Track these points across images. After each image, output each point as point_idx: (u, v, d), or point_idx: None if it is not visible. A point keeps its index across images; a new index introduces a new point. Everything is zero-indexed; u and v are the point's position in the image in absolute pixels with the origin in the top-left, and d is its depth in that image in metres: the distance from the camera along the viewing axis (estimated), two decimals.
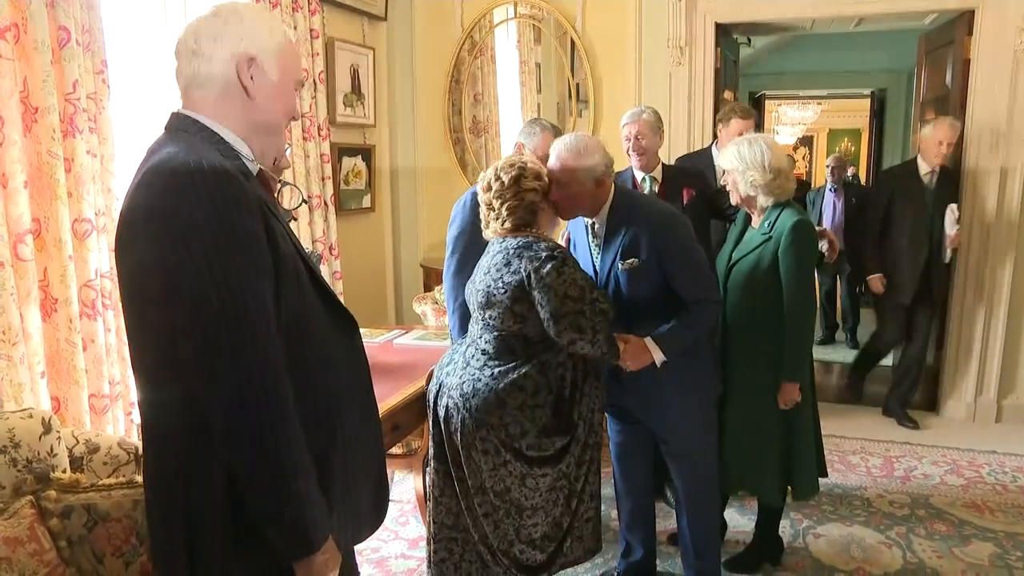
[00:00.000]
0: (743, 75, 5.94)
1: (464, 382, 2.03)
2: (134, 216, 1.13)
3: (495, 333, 2.03)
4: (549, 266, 1.92)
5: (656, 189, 3.02)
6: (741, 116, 3.32)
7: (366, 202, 4.49)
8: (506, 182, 2.01)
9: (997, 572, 2.66)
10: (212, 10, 1.22)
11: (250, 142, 1.25)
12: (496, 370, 2.00)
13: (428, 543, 2.19)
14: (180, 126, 1.22)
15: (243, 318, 1.08)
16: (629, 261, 2.12)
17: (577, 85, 4.41)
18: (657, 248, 2.10)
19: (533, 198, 2.03)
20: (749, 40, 6.38)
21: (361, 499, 1.37)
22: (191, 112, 1.22)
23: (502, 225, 2.04)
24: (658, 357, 2.12)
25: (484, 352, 2.04)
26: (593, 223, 2.24)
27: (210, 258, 1.07)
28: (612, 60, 4.29)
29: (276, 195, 1.60)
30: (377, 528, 1.46)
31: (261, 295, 1.12)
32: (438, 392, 2.12)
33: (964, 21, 3.90)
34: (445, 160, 4.71)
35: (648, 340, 2.11)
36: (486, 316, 2.04)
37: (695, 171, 3.27)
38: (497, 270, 2.00)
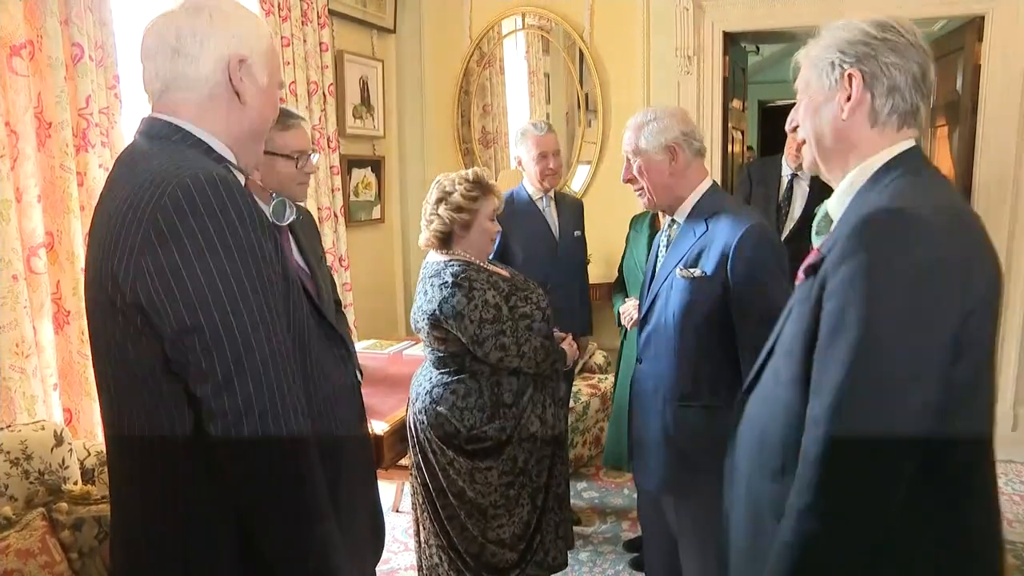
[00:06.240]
0: (752, 83, 5.93)
1: (414, 389, 2.16)
2: (149, 236, 0.96)
3: (429, 349, 2.13)
4: (458, 295, 1.97)
5: None
6: None
7: (376, 213, 4.50)
8: (432, 200, 2.11)
9: None
10: (191, 5, 1.10)
11: (236, 149, 1.14)
12: (435, 376, 2.11)
13: (418, 547, 2.22)
14: (161, 133, 1.09)
15: (271, 358, 0.99)
16: (690, 270, 1.72)
17: (586, 95, 4.41)
18: (731, 266, 1.65)
19: (449, 223, 2.06)
20: (758, 48, 6.37)
21: (360, 531, 1.32)
22: (170, 117, 1.10)
23: (426, 235, 2.12)
24: None
25: (430, 363, 2.15)
26: (673, 221, 1.89)
27: (240, 290, 0.96)
28: (620, 70, 4.29)
29: (272, 210, 1.58)
30: (379, 557, 1.42)
31: (281, 330, 1.03)
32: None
33: (974, 27, 3.87)
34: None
35: None
36: (421, 338, 2.14)
37: None
38: (419, 298, 2.08)
